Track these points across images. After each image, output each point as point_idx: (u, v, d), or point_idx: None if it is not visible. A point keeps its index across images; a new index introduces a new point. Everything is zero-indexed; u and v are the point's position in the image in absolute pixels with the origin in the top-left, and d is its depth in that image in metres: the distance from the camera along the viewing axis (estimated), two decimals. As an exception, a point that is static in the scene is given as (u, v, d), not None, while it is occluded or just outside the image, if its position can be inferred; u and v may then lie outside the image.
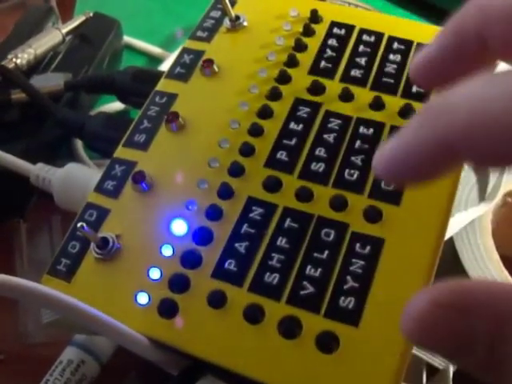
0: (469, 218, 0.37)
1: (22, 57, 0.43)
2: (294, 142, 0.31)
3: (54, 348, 0.35)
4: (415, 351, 0.31)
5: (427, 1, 0.60)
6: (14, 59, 0.42)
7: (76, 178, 0.35)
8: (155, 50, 0.53)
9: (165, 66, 0.49)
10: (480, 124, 0.18)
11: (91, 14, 0.48)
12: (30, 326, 0.37)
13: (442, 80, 0.23)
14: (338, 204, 0.29)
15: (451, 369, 0.32)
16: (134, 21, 0.55)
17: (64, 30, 0.46)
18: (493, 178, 0.40)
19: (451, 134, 0.19)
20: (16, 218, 0.41)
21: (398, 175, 0.22)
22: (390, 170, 0.21)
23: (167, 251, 0.28)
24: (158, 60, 0.52)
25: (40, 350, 0.37)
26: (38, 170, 0.36)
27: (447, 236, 0.36)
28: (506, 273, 0.36)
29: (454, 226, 0.36)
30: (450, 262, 0.37)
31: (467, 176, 0.40)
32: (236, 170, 0.30)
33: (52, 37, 0.45)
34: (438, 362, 0.32)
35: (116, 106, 0.46)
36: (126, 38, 0.52)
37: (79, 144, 0.43)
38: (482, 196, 0.39)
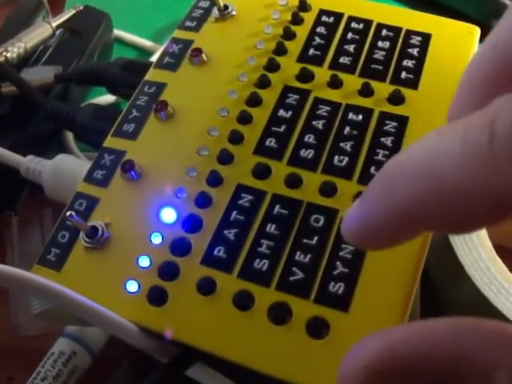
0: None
1: (12, 50, 0.43)
2: (282, 129, 0.31)
3: (45, 340, 0.35)
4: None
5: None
6: (4, 53, 0.42)
7: (66, 168, 0.35)
8: (146, 42, 0.53)
9: (155, 58, 0.49)
10: (434, 195, 0.18)
11: (81, 8, 0.48)
12: (21, 318, 0.37)
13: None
14: (328, 190, 0.28)
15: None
16: (124, 14, 0.55)
17: (54, 24, 0.46)
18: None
19: (406, 204, 0.19)
20: (7, 211, 0.41)
21: (365, 244, 0.22)
22: (355, 239, 0.21)
23: (156, 239, 0.28)
24: (149, 53, 0.52)
25: (32, 342, 0.37)
26: (28, 162, 0.36)
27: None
28: (498, 260, 0.36)
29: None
30: (442, 249, 0.36)
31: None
32: (225, 158, 0.30)
33: (42, 30, 0.45)
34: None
35: (107, 98, 0.46)
36: (117, 32, 0.52)
37: (70, 137, 0.43)
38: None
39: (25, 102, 0.40)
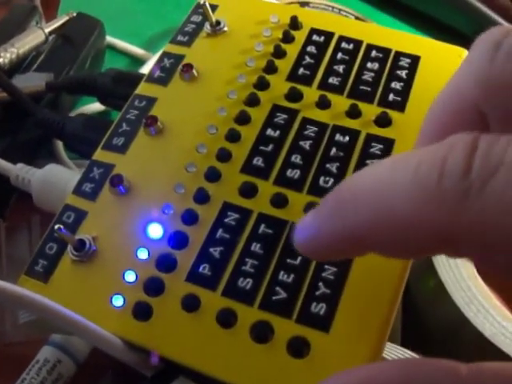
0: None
1: (4, 56, 0.43)
2: (270, 148, 0.31)
3: (31, 347, 0.36)
4: (387, 356, 0.32)
5: (412, 7, 0.61)
6: (-4, 58, 0.42)
7: (55, 179, 0.35)
8: (138, 51, 0.53)
9: (146, 68, 0.49)
10: (382, 224, 0.18)
11: (74, 14, 0.48)
12: (7, 325, 0.37)
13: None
14: (312, 211, 0.29)
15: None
16: (117, 21, 0.55)
17: (47, 30, 0.46)
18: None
19: (354, 229, 0.19)
20: (-5, 216, 0.41)
21: (313, 256, 0.23)
22: (305, 250, 0.22)
23: (143, 254, 0.29)
24: (141, 61, 0.52)
25: (17, 349, 0.37)
26: (18, 170, 0.36)
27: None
28: (479, 279, 0.36)
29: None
30: (423, 267, 0.37)
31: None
32: (212, 175, 0.30)
33: (35, 36, 0.45)
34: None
35: (97, 106, 0.46)
36: (109, 39, 0.52)
37: (60, 144, 0.43)
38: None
39: (16, 109, 0.40)
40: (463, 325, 0.35)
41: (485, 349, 0.34)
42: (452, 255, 0.19)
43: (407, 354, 0.33)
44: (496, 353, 0.33)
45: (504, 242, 0.16)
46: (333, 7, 0.55)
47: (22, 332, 0.37)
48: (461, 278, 0.36)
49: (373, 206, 0.19)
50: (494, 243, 0.17)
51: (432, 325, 0.38)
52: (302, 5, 0.55)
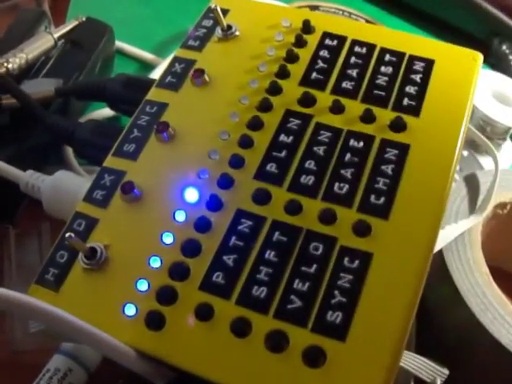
0: (459, 230, 0.37)
1: (13, 61, 0.43)
2: (283, 154, 0.31)
3: (41, 355, 0.35)
4: (402, 364, 0.31)
5: (421, 9, 0.60)
6: (5, 64, 0.42)
7: (65, 186, 0.35)
8: (147, 55, 0.53)
9: (156, 73, 0.49)
10: None
11: (84, 19, 0.48)
12: (17, 333, 0.37)
13: None
14: (327, 217, 0.28)
15: (438, 381, 0.32)
16: (126, 26, 0.55)
17: (56, 35, 0.46)
18: (484, 189, 0.40)
19: None
20: (5, 223, 0.41)
21: None
22: None
23: (155, 263, 0.28)
24: (151, 66, 0.52)
25: (27, 357, 0.37)
26: (28, 177, 0.36)
27: (437, 248, 0.36)
28: (494, 285, 0.36)
29: (444, 238, 0.36)
30: (438, 274, 0.37)
31: (458, 188, 0.40)
32: (225, 182, 0.30)
33: (44, 41, 0.45)
34: (425, 374, 0.32)
35: (106, 112, 0.46)
36: (118, 44, 0.52)
37: (69, 150, 0.43)
38: (473, 208, 0.39)
39: (25, 114, 0.40)
40: (479, 332, 0.34)
41: (501, 357, 0.34)
42: None
43: (423, 361, 0.33)
44: (512, 361, 0.33)
45: None
46: (343, 10, 0.55)
47: (33, 340, 0.37)
48: (476, 284, 0.36)
49: None
50: None
51: (447, 332, 0.37)
52: (312, 8, 0.54)
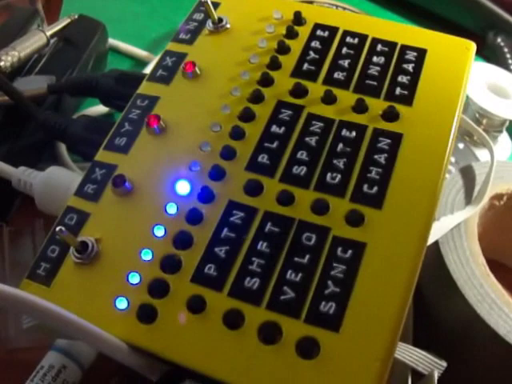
0: (455, 221, 0.37)
1: (5, 59, 0.42)
2: (275, 145, 0.30)
3: (35, 353, 0.35)
4: (399, 356, 0.31)
5: (415, 3, 0.60)
6: (-3, 62, 0.42)
7: (57, 181, 0.35)
8: (141, 52, 0.53)
9: (149, 69, 0.49)
10: None
11: (76, 17, 0.48)
12: (10, 331, 0.36)
13: None
14: (320, 208, 0.28)
15: (436, 374, 0.32)
16: (120, 24, 0.55)
17: (49, 33, 0.46)
18: (480, 181, 0.39)
19: None
20: (-1, 221, 0.41)
21: None
22: None
23: (147, 256, 0.28)
24: (144, 63, 0.52)
25: (21, 354, 0.36)
26: (20, 174, 0.36)
27: (433, 239, 0.35)
28: (491, 277, 0.36)
29: (440, 229, 0.36)
30: (434, 265, 0.36)
31: (454, 179, 0.39)
32: (217, 174, 0.30)
33: (36, 39, 0.45)
34: (422, 367, 0.32)
35: (100, 108, 0.45)
36: (112, 41, 0.52)
37: (63, 147, 0.43)
38: (469, 199, 0.39)
39: (18, 112, 0.40)
40: (476, 323, 0.34)
41: (498, 347, 0.33)
42: None
43: (420, 353, 0.33)
44: (510, 352, 0.33)
45: None
46: (337, 6, 0.55)
47: (26, 337, 0.36)
48: (473, 275, 0.35)
49: None
50: None
51: (444, 323, 0.37)
52: (307, 2, 0.54)
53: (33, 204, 0.36)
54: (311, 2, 0.54)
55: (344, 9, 0.54)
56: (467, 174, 0.40)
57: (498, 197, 0.40)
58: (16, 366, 0.36)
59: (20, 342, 0.36)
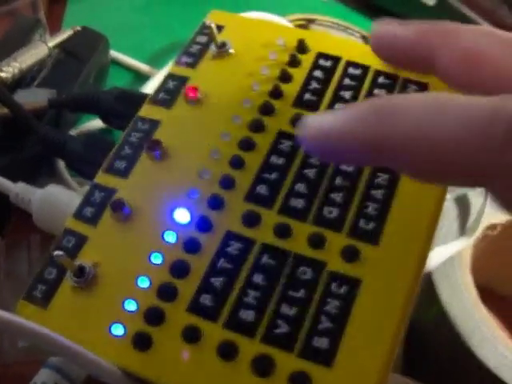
0: (448, 252, 0.37)
1: (6, 70, 0.43)
2: (274, 176, 0.30)
3: (28, 368, 0.35)
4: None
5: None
6: (-2, 73, 0.42)
7: (55, 200, 0.35)
8: (142, 66, 0.53)
9: (150, 85, 0.49)
10: (426, 141, 0.20)
11: (79, 28, 0.48)
12: (5, 346, 0.36)
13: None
14: (316, 242, 0.28)
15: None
16: (122, 35, 0.54)
17: (51, 44, 0.46)
18: (474, 211, 0.40)
19: (390, 140, 0.21)
20: (-6, 234, 0.41)
21: (323, 156, 0.24)
22: (316, 149, 0.23)
23: (144, 283, 0.28)
24: (145, 77, 0.52)
25: (14, 369, 0.37)
26: (18, 189, 0.36)
27: (426, 270, 0.36)
28: (482, 308, 0.36)
29: (433, 260, 0.36)
30: (427, 295, 0.37)
31: (448, 208, 0.40)
32: (216, 203, 0.30)
33: (38, 50, 0.45)
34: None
35: (99, 123, 0.45)
36: (114, 54, 0.52)
37: (61, 162, 0.43)
38: (463, 229, 0.39)
39: (17, 125, 0.40)
40: (466, 355, 0.35)
41: (488, 380, 0.34)
42: (472, 186, 0.22)
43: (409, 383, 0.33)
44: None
45: None
46: (338, 24, 0.55)
47: (20, 352, 0.37)
48: (464, 306, 0.36)
49: (415, 125, 0.20)
50: None
51: (434, 353, 0.38)
52: (309, 22, 0.54)
53: (29, 218, 0.36)
54: (313, 21, 0.54)
55: (346, 28, 0.55)
56: (462, 204, 0.40)
57: (492, 227, 0.40)
58: (9, 381, 0.36)
59: (14, 357, 0.37)
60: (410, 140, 0.20)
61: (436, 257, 0.36)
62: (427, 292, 0.36)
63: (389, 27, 0.26)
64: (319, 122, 0.22)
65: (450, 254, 0.37)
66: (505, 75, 0.23)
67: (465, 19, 0.58)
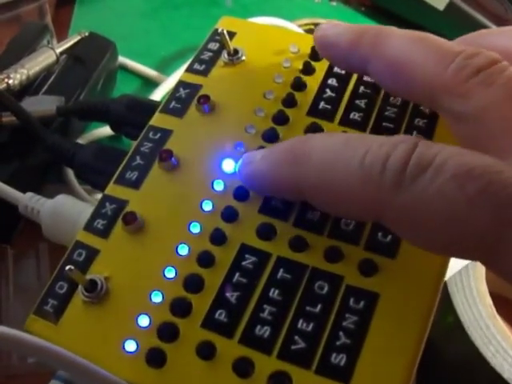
0: (463, 261, 0.37)
1: (14, 77, 0.42)
2: None
3: (36, 379, 0.35)
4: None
5: (425, 27, 0.60)
6: (6, 79, 0.42)
7: (65, 212, 0.34)
8: (150, 72, 0.52)
9: (159, 93, 0.48)
10: (327, 186, 0.24)
11: (86, 34, 0.47)
12: (14, 359, 0.36)
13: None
14: (333, 255, 0.28)
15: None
16: (130, 41, 0.54)
17: (58, 50, 0.45)
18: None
19: (300, 181, 0.25)
20: (3, 243, 0.40)
21: (255, 189, 0.29)
22: (250, 183, 0.29)
23: (157, 298, 0.28)
24: (153, 83, 0.51)
25: (22, 380, 0.36)
26: (27, 200, 0.36)
27: (441, 280, 0.35)
28: (498, 318, 0.36)
29: (448, 270, 0.36)
30: (442, 305, 0.36)
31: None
32: (230, 215, 0.29)
33: (46, 57, 0.44)
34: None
35: (107, 131, 0.45)
36: (122, 59, 0.51)
37: (71, 171, 0.43)
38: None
39: (25, 133, 0.40)
40: (480, 365, 0.34)
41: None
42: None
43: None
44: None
45: (418, 224, 0.23)
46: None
47: (28, 364, 0.36)
48: (479, 316, 0.35)
49: (321, 171, 0.24)
50: (413, 223, 0.23)
51: (448, 363, 0.37)
52: (316, 26, 0.54)
53: (37, 227, 0.36)
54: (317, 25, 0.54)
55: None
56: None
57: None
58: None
59: (21, 369, 0.36)
60: (315, 188, 0.25)
61: (451, 267, 0.36)
62: (442, 301, 0.36)
63: (328, 32, 0.30)
64: (249, 161, 0.28)
65: (465, 263, 0.37)
66: (420, 84, 0.26)
67: (474, 23, 0.58)
